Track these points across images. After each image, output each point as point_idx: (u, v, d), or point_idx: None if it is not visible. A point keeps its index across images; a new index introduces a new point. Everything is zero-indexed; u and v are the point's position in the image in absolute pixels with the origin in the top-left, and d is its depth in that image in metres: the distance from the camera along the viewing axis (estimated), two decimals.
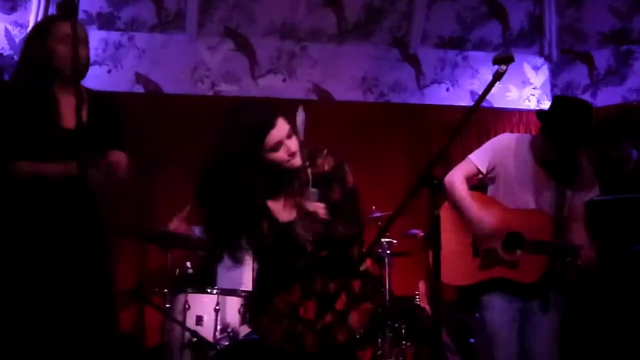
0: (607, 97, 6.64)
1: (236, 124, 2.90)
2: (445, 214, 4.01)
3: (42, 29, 3.40)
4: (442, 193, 3.79)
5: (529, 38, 6.94)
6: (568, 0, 6.80)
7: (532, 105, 6.87)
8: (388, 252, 5.03)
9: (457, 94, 6.81)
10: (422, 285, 5.35)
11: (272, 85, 6.55)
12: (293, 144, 2.94)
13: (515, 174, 4.03)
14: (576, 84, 6.81)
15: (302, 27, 6.63)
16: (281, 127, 2.90)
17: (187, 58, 6.45)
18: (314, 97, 6.63)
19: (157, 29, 6.41)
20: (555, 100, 4.26)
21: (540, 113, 4.07)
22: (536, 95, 6.94)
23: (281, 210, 2.99)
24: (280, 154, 2.92)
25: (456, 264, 4.00)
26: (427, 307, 5.29)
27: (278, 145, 2.90)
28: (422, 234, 5.22)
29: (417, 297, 5.34)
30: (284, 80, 6.56)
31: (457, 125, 2.72)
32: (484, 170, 4.09)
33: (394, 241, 5.13)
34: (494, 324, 3.97)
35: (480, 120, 6.62)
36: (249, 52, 6.57)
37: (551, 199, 4.00)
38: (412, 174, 6.10)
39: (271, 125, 2.88)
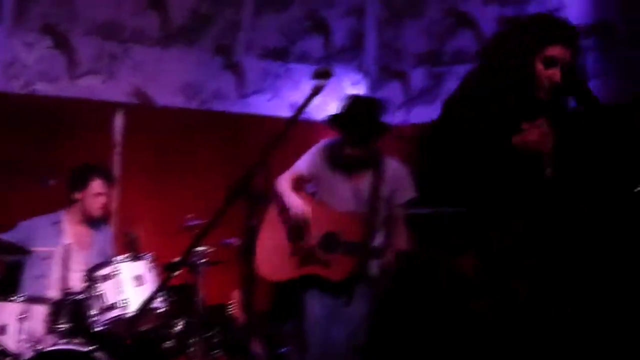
0: (420, 114, 6.92)
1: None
2: (270, 214, 4.31)
3: None
4: (259, 204, 3.95)
5: (350, 54, 7.14)
6: (388, 19, 7.05)
7: None
8: (202, 260, 5.02)
9: (279, 105, 6.89)
10: (236, 294, 5.39)
11: (91, 86, 6.35)
12: (557, 75, 2.91)
13: (324, 177, 4.37)
14: (392, 101, 7.05)
15: (126, 28, 6.48)
16: (563, 51, 2.91)
17: (1, 53, 6.15)
18: (134, 100, 6.50)
19: None
20: (343, 100, 4.52)
21: (331, 118, 4.36)
22: None
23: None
24: (548, 73, 2.91)
25: (276, 261, 4.28)
26: (241, 316, 5.33)
27: (550, 62, 2.90)
28: (238, 242, 5.25)
29: (231, 306, 5.38)
30: (104, 81, 6.39)
31: (276, 137, 2.77)
32: (306, 174, 4.43)
33: (210, 249, 5.11)
34: (312, 317, 4.28)
35: (301, 133, 6.71)
36: (68, 51, 6.34)
37: (352, 200, 4.32)
38: (231, 183, 6.10)
39: (555, 41, 2.91)
